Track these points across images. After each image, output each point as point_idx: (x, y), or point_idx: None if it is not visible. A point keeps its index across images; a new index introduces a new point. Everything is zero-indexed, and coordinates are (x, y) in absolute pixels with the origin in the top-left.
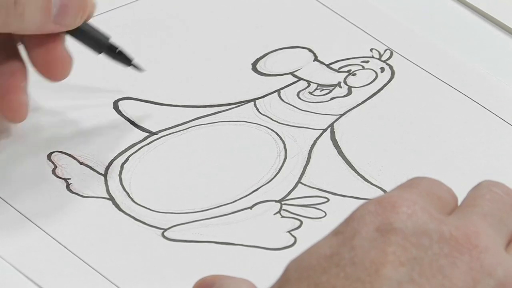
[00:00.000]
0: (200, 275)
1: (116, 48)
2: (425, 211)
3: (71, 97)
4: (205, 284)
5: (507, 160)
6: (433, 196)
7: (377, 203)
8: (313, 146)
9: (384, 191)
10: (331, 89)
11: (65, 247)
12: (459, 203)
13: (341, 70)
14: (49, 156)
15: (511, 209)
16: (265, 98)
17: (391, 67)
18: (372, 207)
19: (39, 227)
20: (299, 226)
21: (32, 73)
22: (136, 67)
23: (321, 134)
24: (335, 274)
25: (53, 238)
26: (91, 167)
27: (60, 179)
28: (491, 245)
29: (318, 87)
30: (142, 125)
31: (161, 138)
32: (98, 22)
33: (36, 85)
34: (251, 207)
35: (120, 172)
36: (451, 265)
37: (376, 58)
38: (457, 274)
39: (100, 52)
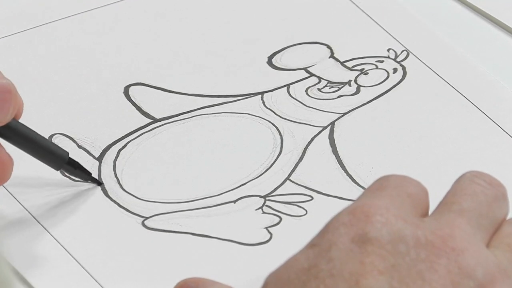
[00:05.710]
0: (174, 265)
1: (76, 163)
2: (399, 217)
3: (83, 80)
4: (187, 287)
5: (505, 166)
6: (403, 195)
7: (350, 214)
8: (310, 143)
9: None
10: (340, 86)
11: (47, 230)
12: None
13: (354, 68)
14: (50, 138)
15: (494, 201)
16: (274, 92)
17: (404, 68)
18: (345, 218)
19: (26, 209)
20: (278, 223)
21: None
22: (94, 180)
23: (320, 132)
24: (315, 286)
25: (38, 221)
26: (88, 151)
27: None
28: (468, 245)
29: (328, 84)
30: (148, 112)
31: (163, 126)
32: (110, 10)
33: (52, 64)
34: (235, 201)
35: (116, 158)
36: (429, 269)
37: (392, 59)
38: (436, 278)
39: (58, 169)
